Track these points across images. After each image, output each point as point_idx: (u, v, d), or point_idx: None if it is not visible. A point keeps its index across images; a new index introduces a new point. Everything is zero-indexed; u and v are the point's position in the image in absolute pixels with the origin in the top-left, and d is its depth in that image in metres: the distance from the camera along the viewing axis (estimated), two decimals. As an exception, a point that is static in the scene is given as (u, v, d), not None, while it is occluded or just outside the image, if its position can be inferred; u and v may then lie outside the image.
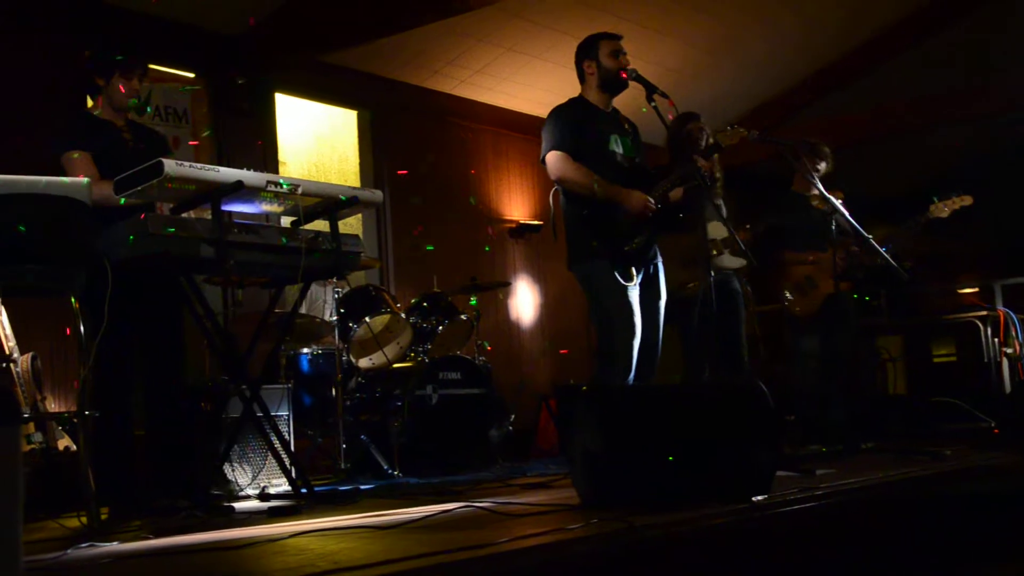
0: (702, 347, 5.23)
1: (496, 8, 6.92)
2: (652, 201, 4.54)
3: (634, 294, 4.55)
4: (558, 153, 4.58)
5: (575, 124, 4.63)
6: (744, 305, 5.62)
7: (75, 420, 4.10)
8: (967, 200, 5.74)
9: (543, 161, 4.66)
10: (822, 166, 5.90)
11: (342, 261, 4.24)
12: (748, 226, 5.50)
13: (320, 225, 4.27)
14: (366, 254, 4.90)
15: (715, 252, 5.34)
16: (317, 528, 3.05)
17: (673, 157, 5.27)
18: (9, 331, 4.45)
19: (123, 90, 4.24)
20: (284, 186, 3.95)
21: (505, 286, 7.98)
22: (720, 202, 5.44)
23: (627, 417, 3.15)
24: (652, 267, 4.70)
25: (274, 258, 4.03)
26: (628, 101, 4.87)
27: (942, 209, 5.75)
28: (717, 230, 5.35)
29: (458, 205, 8.20)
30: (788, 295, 5.94)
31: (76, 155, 4.10)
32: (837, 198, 5.59)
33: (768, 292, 6.25)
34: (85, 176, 3.83)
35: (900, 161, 10.26)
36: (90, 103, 4.40)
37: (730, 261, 5.47)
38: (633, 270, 4.59)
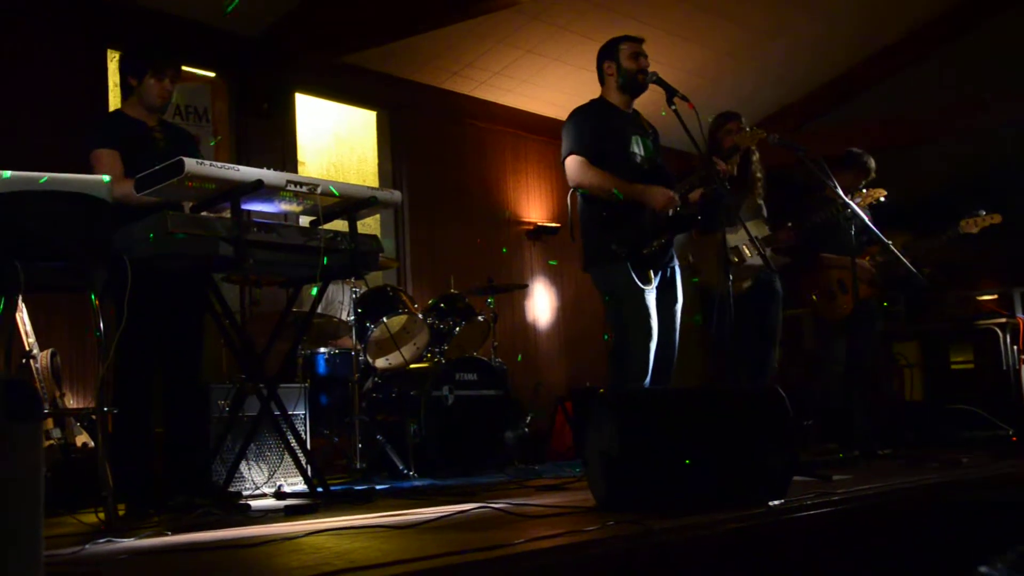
0: (734, 347, 5.22)
1: (516, 11, 6.93)
2: (676, 196, 4.52)
3: (651, 297, 4.54)
4: (577, 158, 4.58)
5: (595, 125, 4.63)
6: (785, 306, 5.58)
7: (93, 416, 4.13)
8: (996, 218, 5.74)
9: (563, 163, 4.66)
10: (863, 183, 5.88)
11: (360, 261, 4.26)
12: (790, 224, 5.45)
13: (339, 225, 4.29)
14: (384, 254, 4.91)
15: (757, 252, 5.28)
16: (333, 527, 3.06)
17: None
18: (29, 327, 4.48)
19: (155, 90, 4.27)
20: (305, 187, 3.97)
21: (522, 288, 7.99)
22: (761, 202, 5.41)
23: (643, 420, 3.15)
24: (670, 270, 4.69)
25: (292, 257, 4.05)
26: (648, 105, 4.87)
27: (971, 226, 5.75)
28: (758, 229, 5.33)
29: (476, 206, 8.20)
30: (818, 297, 5.90)
31: (104, 153, 4.14)
32: (879, 196, 5.57)
33: (793, 295, 6.21)
34: (110, 174, 3.86)
35: (919, 168, 10.22)
36: (122, 102, 4.44)
37: (772, 261, 5.39)
38: (651, 273, 4.58)
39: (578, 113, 4.71)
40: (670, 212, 4.53)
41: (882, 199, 5.65)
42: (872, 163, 5.96)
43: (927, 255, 6.01)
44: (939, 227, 5.82)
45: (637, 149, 4.69)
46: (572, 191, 4.74)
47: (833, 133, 9.12)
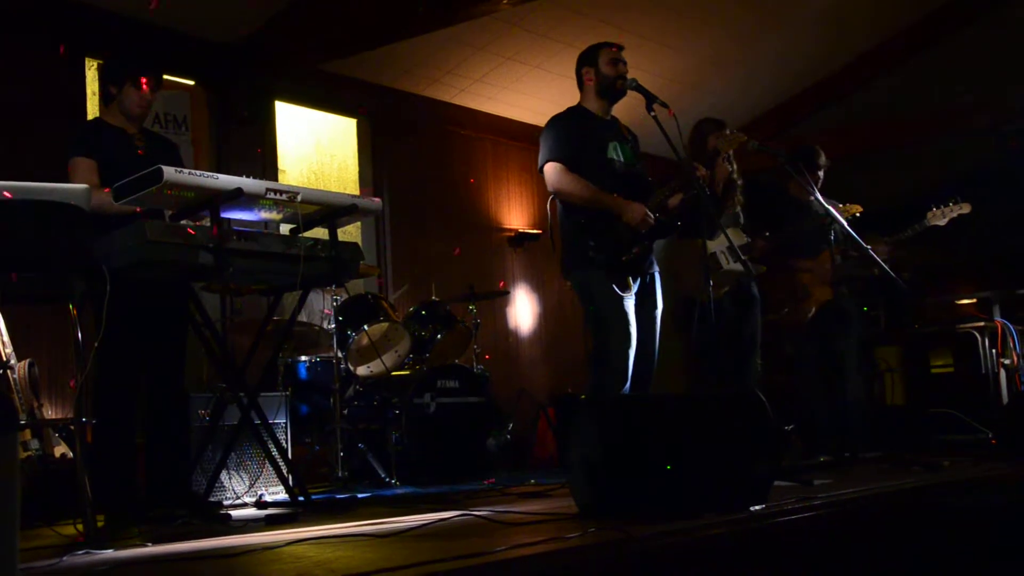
0: (709, 354, 5.23)
1: (496, 18, 6.94)
2: (651, 213, 4.54)
3: (630, 303, 4.55)
4: (555, 164, 4.58)
5: (573, 133, 4.63)
6: (761, 312, 5.57)
7: (72, 427, 4.09)
8: (965, 208, 5.67)
9: (541, 171, 4.66)
10: (820, 174, 5.87)
11: (340, 269, 4.24)
12: (767, 234, 5.43)
13: (319, 233, 4.28)
14: (365, 262, 4.90)
15: (735, 260, 5.27)
16: (314, 536, 3.04)
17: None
18: (7, 338, 4.44)
19: (135, 99, 4.25)
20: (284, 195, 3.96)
21: (504, 295, 7.98)
22: (739, 210, 5.42)
23: (625, 426, 3.15)
24: (649, 277, 4.70)
25: (273, 266, 4.04)
26: (628, 110, 4.88)
27: (939, 216, 5.68)
28: (735, 236, 5.34)
29: (457, 213, 8.20)
30: (783, 303, 5.88)
31: (80, 161, 4.12)
32: (855, 211, 5.56)
33: (766, 300, 6.22)
34: (85, 183, 3.83)
35: (898, 173, 10.28)
36: (104, 110, 4.42)
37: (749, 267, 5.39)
38: (630, 280, 4.59)
39: (555, 121, 4.72)
40: (643, 229, 4.53)
41: (857, 215, 5.61)
42: (823, 160, 5.87)
43: (908, 256, 5.94)
44: (945, 228, 5.74)
45: (615, 155, 4.69)
46: (552, 199, 4.75)
47: (815, 138, 9.14)
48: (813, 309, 5.76)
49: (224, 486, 4.75)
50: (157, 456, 4.23)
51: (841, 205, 5.69)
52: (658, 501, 3.02)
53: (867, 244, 5.07)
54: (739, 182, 5.37)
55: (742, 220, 5.45)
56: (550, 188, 4.63)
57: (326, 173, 7.76)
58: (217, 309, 5.98)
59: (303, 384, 5.83)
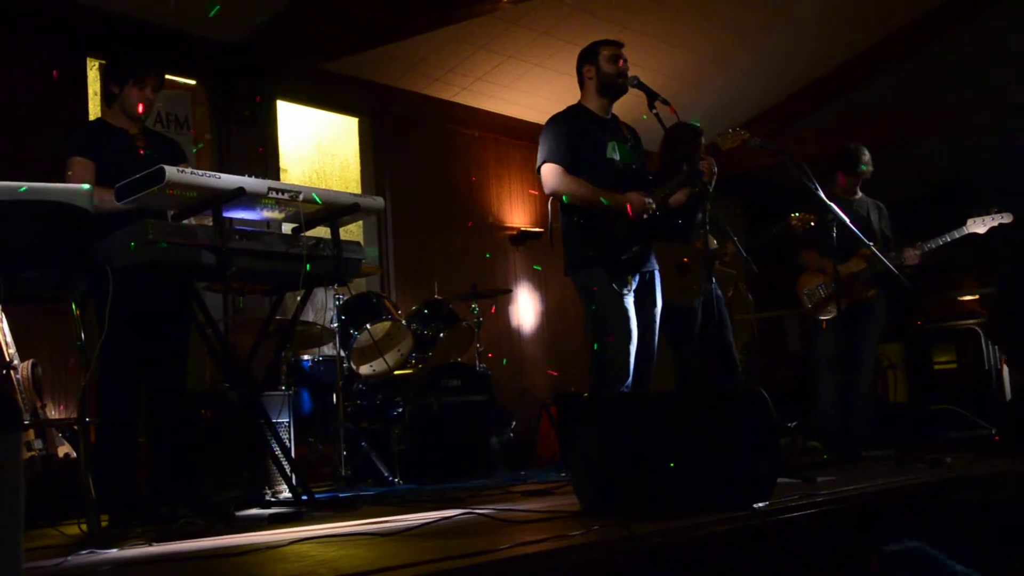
0: (697, 354, 5.23)
1: (497, 16, 6.94)
2: (651, 201, 4.51)
3: (629, 301, 4.55)
4: (551, 166, 4.57)
5: (571, 133, 4.62)
6: (729, 313, 5.56)
7: (75, 427, 4.10)
8: (1007, 217, 5.56)
9: (538, 171, 4.65)
10: (864, 169, 5.81)
11: (343, 268, 4.24)
12: (735, 239, 5.42)
13: (321, 232, 4.28)
14: (367, 261, 4.90)
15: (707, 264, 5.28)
16: (318, 535, 3.05)
17: (665, 162, 5.26)
18: (9, 338, 4.45)
19: (136, 98, 4.25)
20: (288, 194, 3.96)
21: (506, 293, 7.98)
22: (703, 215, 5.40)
23: (628, 424, 3.15)
24: (648, 275, 4.69)
25: (275, 265, 4.04)
26: (629, 108, 4.87)
27: (979, 224, 5.58)
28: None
29: (459, 212, 8.20)
30: (809, 298, 5.82)
31: (77, 161, 4.12)
32: (810, 221, 5.50)
33: (774, 297, 6.17)
34: (82, 183, 3.83)
35: (899, 171, 10.28)
36: (106, 110, 4.42)
37: (718, 273, 5.39)
38: (629, 278, 4.58)
39: (554, 121, 4.70)
40: (644, 216, 4.52)
41: (812, 224, 5.52)
42: (866, 156, 5.82)
43: (933, 258, 5.84)
44: (943, 226, 5.67)
45: (614, 155, 4.67)
46: (552, 197, 4.75)
47: (817, 135, 9.14)
48: (841, 306, 5.70)
49: (228, 485, 4.74)
50: (160, 456, 4.23)
51: (796, 214, 5.52)
52: (661, 498, 3.02)
53: (901, 247, 5.01)
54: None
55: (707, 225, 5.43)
56: (546, 190, 4.63)
57: (328, 172, 7.76)
58: (220, 308, 5.99)
59: (306, 383, 5.83)
